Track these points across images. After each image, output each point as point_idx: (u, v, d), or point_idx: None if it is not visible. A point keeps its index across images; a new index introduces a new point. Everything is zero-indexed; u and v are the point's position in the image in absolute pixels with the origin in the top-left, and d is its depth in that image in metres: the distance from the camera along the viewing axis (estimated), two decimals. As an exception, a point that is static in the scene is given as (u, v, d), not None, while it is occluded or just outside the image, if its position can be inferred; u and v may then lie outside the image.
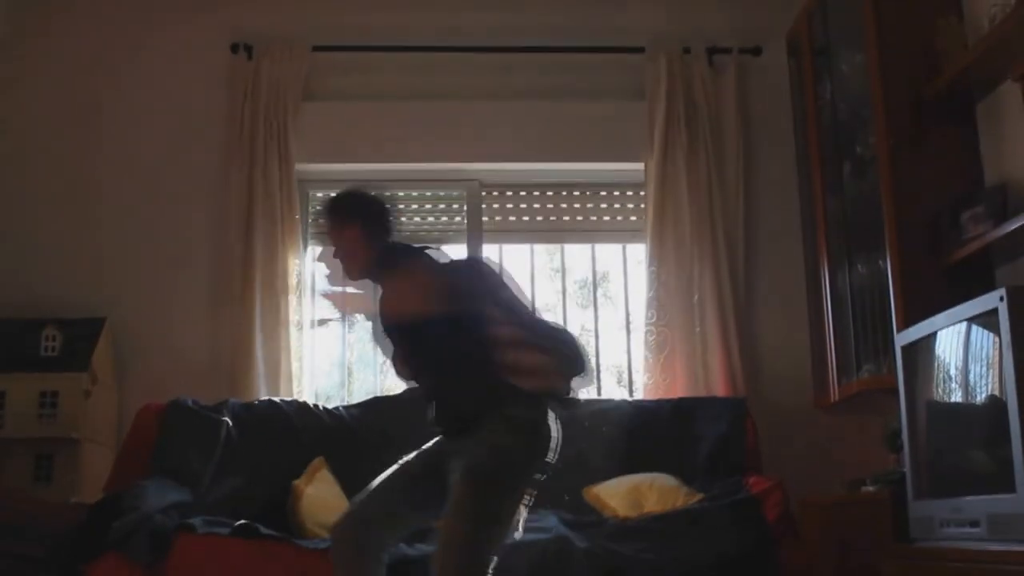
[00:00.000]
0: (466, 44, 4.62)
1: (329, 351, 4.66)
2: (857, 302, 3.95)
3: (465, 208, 4.69)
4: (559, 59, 4.65)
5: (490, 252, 4.67)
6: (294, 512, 3.44)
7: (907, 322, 3.38)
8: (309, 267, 4.57)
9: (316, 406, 3.99)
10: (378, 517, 2.66)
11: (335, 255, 2.89)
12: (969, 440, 2.96)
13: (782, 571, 3.12)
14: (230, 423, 3.79)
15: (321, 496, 3.48)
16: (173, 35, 4.66)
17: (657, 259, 4.42)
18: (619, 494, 3.58)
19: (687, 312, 4.36)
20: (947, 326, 3.01)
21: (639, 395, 4.45)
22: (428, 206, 4.73)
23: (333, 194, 2.99)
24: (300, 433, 3.84)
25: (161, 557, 3.00)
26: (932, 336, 3.10)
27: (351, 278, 2.91)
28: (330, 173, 4.66)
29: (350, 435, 3.88)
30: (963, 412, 3.00)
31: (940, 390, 3.12)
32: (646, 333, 4.37)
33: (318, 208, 2.99)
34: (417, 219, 4.71)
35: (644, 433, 3.91)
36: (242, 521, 3.13)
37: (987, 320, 2.78)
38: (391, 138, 4.57)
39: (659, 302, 4.39)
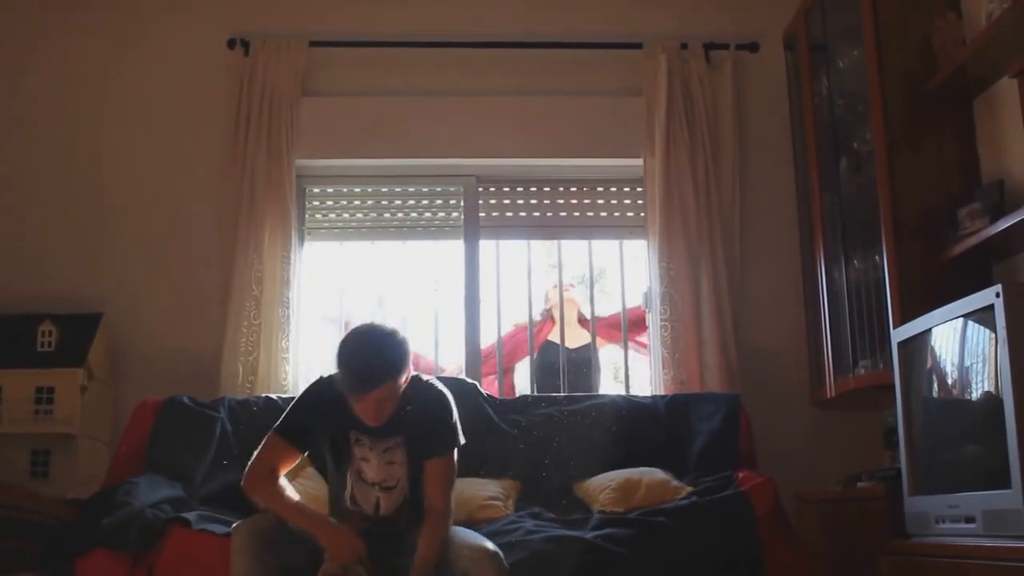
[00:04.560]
0: (463, 40, 4.62)
1: (326, 347, 4.65)
2: (853, 298, 3.95)
3: (462, 204, 4.68)
4: (556, 54, 4.65)
5: (487, 248, 4.67)
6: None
7: (903, 318, 3.38)
8: (305, 262, 4.57)
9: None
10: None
11: (385, 406, 2.85)
12: (965, 436, 2.97)
13: (769, 567, 3.11)
14: (225, 420, 3.78)
15: (302, 494, 3.45)
16: (170, 30, 4.65)
17: (667, 254, 4.41)
18: (609, 488, 3.58)
19: (692, 307, 4.36)
20: (943, 322, 3.02)
21: (647, 391, 4.45)
22: (425, 201, 4.72)
23: (375, 357, 2.82)
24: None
25: (149, 548, 2.99)
26: (928, 332, 3.11)
27: (381, 422, 2.89)
28: (327, 168, 4.66)
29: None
30: (959, 408, 3.01)
31: (936, 386, 3.13)
32: (661, 329, 4.36)
33: (366, 375, 2.80)
34: (414, 215, 4.71)
35: (638, 429, 3.91)
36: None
37: (983, 316, 2.78)
38: (388, 133, 4.57)
39: (670, 298, 4.38)
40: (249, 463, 2.92)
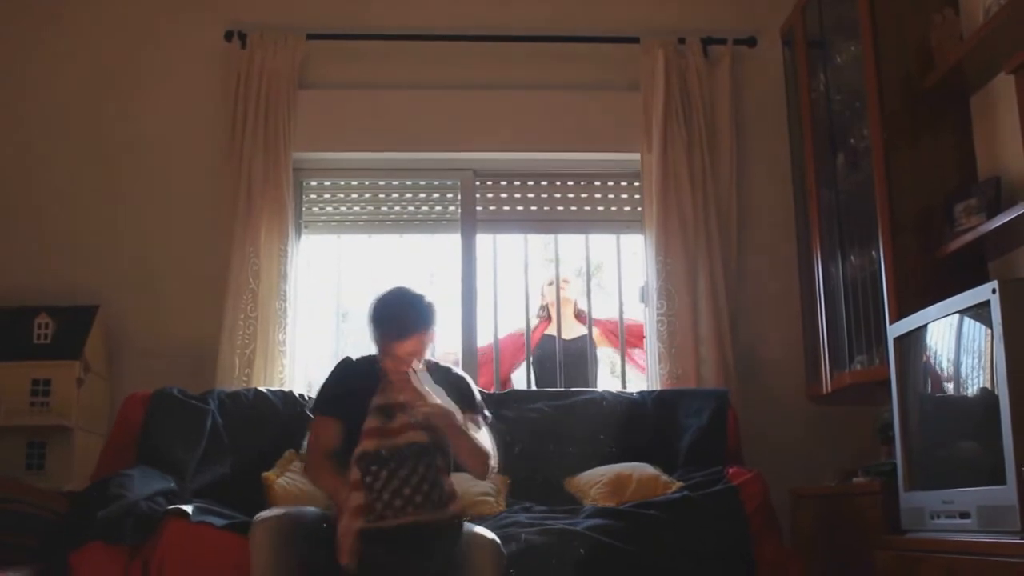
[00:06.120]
0: (461, 33, 4.61)
1: (321, 341, 4.66)
2: (850, 294, 3.95)
3: (459, 198, 4.68)
4: (554, 49, 4.65)
5: (483, 242, 4.67)
6: (267, 504, 3.42)
7: (900, 314, 3.39)
8: (302, 256, 4.57)
9: (303, 396, 3.98)
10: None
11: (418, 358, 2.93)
12: (960, 432, 2.97)
13: (758, 562, 3.13)
14: (215, 412, 3.78)
15: (291, 488, 3.47)
16: (166, 23, 4.65)
17: (664, 249, 4.41)
18: (599, 483, 3.59)
19: (689, 302, 4.36)
20: (939, 318, 3.02)
21: (643, 386, 4.46)
22: (422, 195, 4.72)
23: (408, 307, 2.95)
24: (286, 423, 3.82)
25: (144, 540, 2.99)
26: (924, 328, 3.11)
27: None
28: (325, 161, 4.66)
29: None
30: (955, 404, 3.02)
31: (932, 382, 3.14)
32: (657, 323, 4.36)
33: (400, 322, 2.92)
34: (411, 208, 4.71)
35: (627, 424, 3.92)
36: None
37: (979, 312, 2.79)
38: (385, 127, 4.57)
39: (667, 292, 4.38)
40: (306, 455, 3.13)
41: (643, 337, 4.59)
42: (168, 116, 4.57)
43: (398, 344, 2.89)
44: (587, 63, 4.67)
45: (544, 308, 5.10)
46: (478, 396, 3.15)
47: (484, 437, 3.00)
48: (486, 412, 3.12)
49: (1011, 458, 2.57)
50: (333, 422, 3.02)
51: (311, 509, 2.95)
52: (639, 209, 4.63)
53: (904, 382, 3.25)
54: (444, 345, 4.75)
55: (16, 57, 4.59)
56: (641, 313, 4.61)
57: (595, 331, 4.96)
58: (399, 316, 2.92)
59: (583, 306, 5.02)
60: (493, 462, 2.97)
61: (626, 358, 4.80)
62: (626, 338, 4.78)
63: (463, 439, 2.88)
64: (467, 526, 2.85)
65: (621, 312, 4.77)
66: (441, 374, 3.09)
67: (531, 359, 4.84)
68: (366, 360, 3.09)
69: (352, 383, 3.04)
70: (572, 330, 4.98)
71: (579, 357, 4.82)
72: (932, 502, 2.98)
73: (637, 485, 3.53)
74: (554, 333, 4.96)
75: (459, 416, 2.87)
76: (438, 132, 4.59)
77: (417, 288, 3.04)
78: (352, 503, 2.66)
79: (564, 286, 4.99)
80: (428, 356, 3.06)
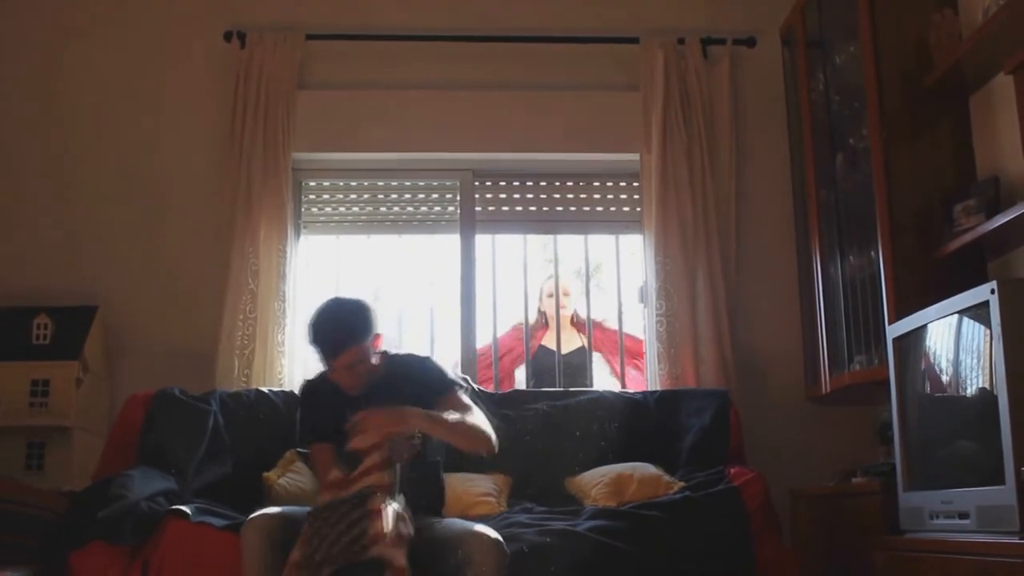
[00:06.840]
0: (460, 33, 4.61)
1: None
2: (849, 294, 3.96)
3: (458, 198, 4.68)
4: (553, 49, 4.64)
5: (483, 242, 4.67)
6: (268, 504, 3.42)
7: (899, 314, 3.39)
8: (301, 256, 4.57)
9: (303, 396, 3.98)
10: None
11: (358, 370, 2.93)
12: (959, 432, 2.98)
13: (759, 561, 3.13)
14: (217, 412, 3.78)
15: (292, 488, 3.48)
16: (165, 23, 4.65)
17: (663, 249, 4.40)
18: (601, 483, 3.59)
19: (688, 303, 4.35)
20: (938, 318, 3.02)
21: (641, 386, 4.46)
22: (421, 196, 4.72)
23: (334, 323, 2.92)
24: (288, 423, 3.81)
25: (145, 541, 2.99)
26: (923, 328, 3.11)
27: (359, 390, 2.96)
28: (324, 162, 4.65)
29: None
30: (953, 404, 3.02)
31: (931, 382, 3.14)
32: (656, 324, 4.36)
33: (326, 341, 2.90)
34: (410, 209, 4.71)
35: (629, 424, 3.92)
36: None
37: (978, 313, 2.79)
38: (384, 127, 4.57)
39: (666, 292, 4.38)
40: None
41: (641, 355, 4.58)
42: (167, 116, 4.57)
43: (335, 360, 2.90)
44: (586, 63, 4.67)
45: (542, 314, 5.06)
46: (446, 372, 3.12)
47: (474, 415, 3.00)
48: (461, 383, 3.12)
49: (1010, 458, 2.57)
50: (327, 446, 3.03)
51: (306, 509, 2.94)
52: (638, 209, 4.63)
53: (903, 382, 3.25)
54: (444, 346, 4.76)
55: (10, 56, 4.59)
56: (640, 315, 4.60)
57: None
58: (329, 333, 2.90)
59: (582, 310, 4.99)
60: (491, 432, 2.98)
61: (624, 378, 4.77)
62: (624, 357, 4.75)
63: (454, 433, 2.92)
64: (469, 525, 2.86)
65: (620, 313, 4.76)
66: (401, 363, 3.09)
67: (529, 364, 4.82)
68: (323, 376, 3.07)
69: (323, 406, 3.06)
70: (570, 342, 4.93)
71: (578, 368, 4.79)
72: (931, 502, 2.98)
73: (638, 485, 3.54)
74: (550, 344, 4.91)
75: (435, 415, 2.87)
76: (437, 132, 4.59)
77: (351, 297, 3.02)
78: (291, 558, 2.65)
79: (564, 300, 4.94)
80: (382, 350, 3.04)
